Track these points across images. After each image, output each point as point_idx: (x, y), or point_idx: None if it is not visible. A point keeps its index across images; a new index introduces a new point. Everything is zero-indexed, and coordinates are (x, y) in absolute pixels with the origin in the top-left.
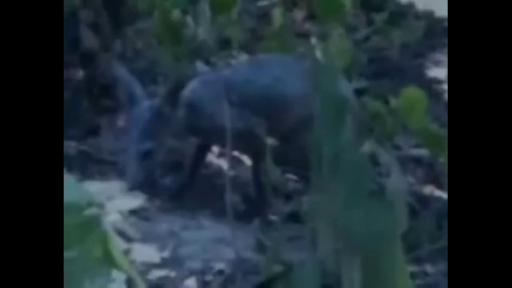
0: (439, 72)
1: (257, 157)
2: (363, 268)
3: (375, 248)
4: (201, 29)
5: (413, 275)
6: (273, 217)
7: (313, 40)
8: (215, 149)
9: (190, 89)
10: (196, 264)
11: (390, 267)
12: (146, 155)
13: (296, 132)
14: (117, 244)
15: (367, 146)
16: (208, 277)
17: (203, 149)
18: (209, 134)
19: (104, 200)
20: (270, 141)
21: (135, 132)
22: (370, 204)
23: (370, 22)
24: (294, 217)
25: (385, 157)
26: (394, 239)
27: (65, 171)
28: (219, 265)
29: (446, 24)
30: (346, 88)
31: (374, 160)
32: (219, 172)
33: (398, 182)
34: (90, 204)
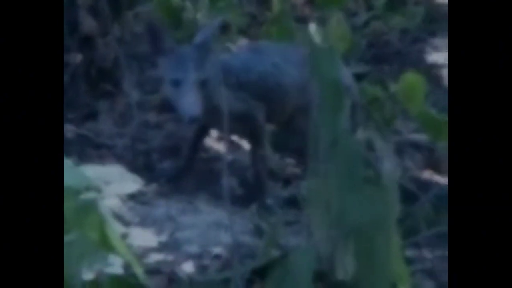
0: (439, 57)
1: (255, 141)
2: (356, 254)
3: (368, 234)
4: (200, 13)
5: (411, 260)
6: (271, 202)
7: (312, 25)
8: (214, 133)
9: None
10: (193, 248)
11: (384, 252)
12: (205, 83)
13: (294, 119)
14: (115, 228)
15: (362, 133)
16: (206, 261)
17: (201, 133)
18: (207, 116)
19: (102, 184)
20: (269, 127)
21: (191, 64)
22: (365, 190)
23: (369, 7)
24: (292, 202)
25: (380, 143)
26: (388, 224)
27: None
28: (217, 250)
29: (445, 9)
30: (345, 73)
31: (371, 146)
32: (217, 156)
33: (391, 169)
34: (87, 188)
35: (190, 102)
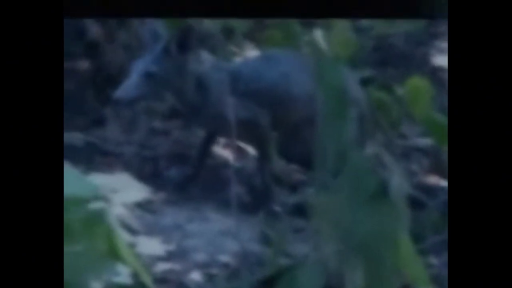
0: (444, 60)
1: (262, 148)
2: (365, 269)
3: (378, 249)
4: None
5: None
6: (278, 209)
7: (317, 30)
8: (222, 140)
9: (203, 69)
10: (201, 257)
11: (393, 267)
12: (150, 75)
13: (300, 128)
14: (122, 238)
15: (371, 148)
16: (213, 270)
17: (209, 140)
18: (214, 122)
19: (109, 193)
20: (275, 134)
21: (148, 56)
22: (373, 205)
23: None
24: (299, 209)
25: (388, 158)
26: (397, 239)
27: (70, 163)
28: (224, 258)
29: None
30: (353, 84)
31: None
32: (225, 163)
33: (400, 183)
34: (95, 197)
35: (125, 85)
